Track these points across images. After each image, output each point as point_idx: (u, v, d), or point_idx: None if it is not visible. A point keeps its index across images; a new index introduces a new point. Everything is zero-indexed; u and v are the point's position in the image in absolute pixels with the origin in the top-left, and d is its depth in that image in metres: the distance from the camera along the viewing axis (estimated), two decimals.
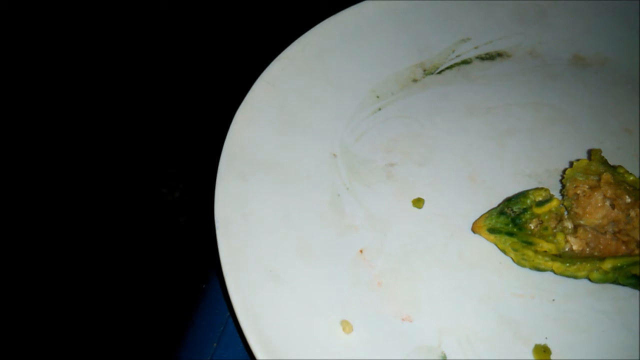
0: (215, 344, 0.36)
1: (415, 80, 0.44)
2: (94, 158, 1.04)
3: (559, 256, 0.32)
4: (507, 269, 0.33)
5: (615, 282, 0.31)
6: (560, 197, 0.35)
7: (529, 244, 0.32)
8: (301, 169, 0.38)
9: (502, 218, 0.34)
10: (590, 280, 0.31)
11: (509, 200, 0.35)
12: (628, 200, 0.32)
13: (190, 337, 0.37)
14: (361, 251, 0.34)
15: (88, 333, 0.85)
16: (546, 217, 0.33)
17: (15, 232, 0.95)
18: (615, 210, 0.32)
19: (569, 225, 0.33)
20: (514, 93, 0.43)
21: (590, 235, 0.32)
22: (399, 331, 0.31)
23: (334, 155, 0.39)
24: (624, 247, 0.31)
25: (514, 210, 0.34)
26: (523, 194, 0.34)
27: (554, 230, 0.33)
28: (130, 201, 1.00)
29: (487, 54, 0.46)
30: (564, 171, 0.35)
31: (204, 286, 0.40)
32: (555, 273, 0.32)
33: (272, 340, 0.29)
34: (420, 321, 0.31)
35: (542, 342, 0.30)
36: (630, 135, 0.40)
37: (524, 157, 0.39)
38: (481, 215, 0.35)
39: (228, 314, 0.37)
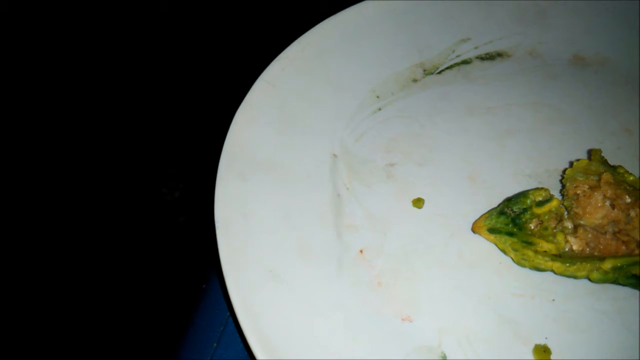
0: (215, 344, 0.36)
1: (415, 80, 0.44)
2: (94, 158, 1.04)
3: (559, 256, 0.32)
4: (507, 269, 0.33)
5: (615, 282, 0.31)
6: (560, 197, 0.35)
7: (529, 244, 0.32)
8: (301, 169, 0.38)
9: (502, 218, 0.34)
10: (590, 280, 0.31)
11: (509, 200, 0.35)
12: (628, 200, 0.32)
13: (190, 337, 0.37)
14: (361, 251, 0.34)
15: (88, 333, 0.85)
16: (546, 217, 0.33)
17: (16, 232, 0.95)
18: (615, 210, 0.32)
19: (569, 225, 0.33)
20: (514, 93, 0.43)
21: (590, 235, 0.32)
22: (399, 331, 0.31)
23: (334, 155, 0.39)
24: (624, 247, 0.31)
25: (514, 210, 0.34)
26: (523, 194, 0.34)
27: (554, 230, 0.33)
28: (130, 201, 1.00)
29: (487, 54, 0.46)
30: (564, 171, 0.35)
31: (204, 286, 0.40)
32: (555, 273, 0.32)
33: (272, 340, 0.29)
34: (420, 321, 0.31)
35: (542, 342, 0.30)
36: (630, 135, 0.40)
37: (524, 157, 0.39)
38: (481, 215, 0.35)
39: (228, 314, 0.37)
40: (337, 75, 0.43)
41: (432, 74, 0.45)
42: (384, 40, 0.46)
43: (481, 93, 0.43)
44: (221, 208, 0.34)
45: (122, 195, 1.01)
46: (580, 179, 0.33)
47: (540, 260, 0.32)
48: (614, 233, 0.32)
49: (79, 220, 0.97)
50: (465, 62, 0.45)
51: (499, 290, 0.32)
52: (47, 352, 0.84)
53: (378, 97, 0.43)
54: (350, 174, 0.38)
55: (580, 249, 0.32)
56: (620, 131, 0.40)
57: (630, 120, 0.41)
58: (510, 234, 0.33)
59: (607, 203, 0.32)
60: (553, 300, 0.32)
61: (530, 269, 0.33)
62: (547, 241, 0.32)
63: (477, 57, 0.45)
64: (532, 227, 0.33)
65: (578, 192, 0.33)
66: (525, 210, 0.33)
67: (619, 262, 0.30)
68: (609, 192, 0.32)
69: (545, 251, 0.32)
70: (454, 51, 0.46)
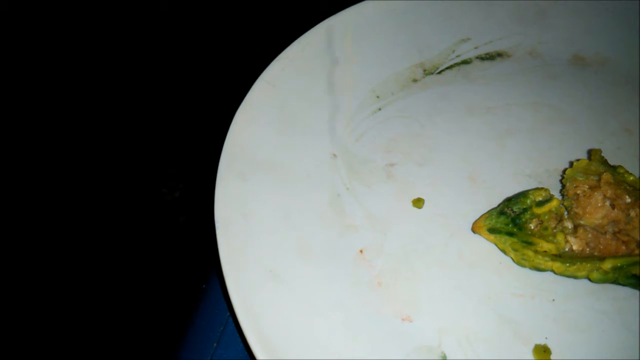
0: (215, 344, 0.36)
1: (415, 80, 0.44)
2: (94, 158, 1.04)
3: (559, 256, 0.32)
4: (507, 269, 0.33)
5: (615, 282, 0.31)
6: (560, 197, 0.35)
7: (529, 244, 0.32)
8: (301, 169, 0.38)
9: (502, 218, 0.34)
10: (590, 280, 0.31)
11: (509, 200, 0.35)
12: (628, 200, 0.32)
13: (190, 337, 0.37)
14: (361, 251, 0.34)
15: (88, 333, 0.85)
16: (546, 217, 0.33)
17: (16, 233, 0.95)
18: (615, 210, 0.32)
19: (569, 225, 0.33)
20: (514, 93, 0.43)
21: (590, 235, 0.32)
22: (399, 331, 0.31)
23: (334, 155, 0.39)
24: (624, 247, 0.31)
25: (514, 210, 0.34)
26: (523, 194, 0.34)
27: (554, 230, 0.33)
28: (130, 201, 1.00)
29: (487, 54, 0.46)
30: (564, 171, 0.35)
31: (204, 286, 0.40)
32: (555, 273, 0.32)
33: (272, 340, 0.29)
34: (420, 321, 0.31)
35: (542, 342, 0.30)
36: (630, 135, 0.40)
37: (524, 157, 0.39)
38: (481, 215, 0.35)
39: (228, 314, 0.37)
40: (337, 75, 0.43)
41: (432, 74, 0.45)
42: (384, 40, 0.46)
43: (481, 93, 0.43)
44: (221, 208, 0.34)
45: (122, 195, 1.01)
46: (580, 179, 0.33)
47: (540, 260, 0.32)
48: (614, 233, 0.32)
49: (79, 220, 0.97)
50: (465, 62, 0.45)
51: (499, 290, 0.32)
52: (47, 352, 0.84)
53: (378, 97, 0.43)
54: (350, 174, 0.38)
55: (580, 249, 0.32)
56: (620, 131, 0.40)
57: (630, 120, 0.41)
58: (510, 234, 0.33)
59: (607, 203, 0.32)
60: (553, 300, 0.32)
61: (530, 269, 0.33)
62: (547, 241, 0.32)
63: (477, 57, 0.45)
64: (532, 227, 0.33)
65: (578, 192, 0.33)
66: (525, 210, 0.33)
67: (619, 262, 0.30)
68: (609, 192, 0.32)
69: (545, 251, 0.32)
70: (454, 51, 0.46)
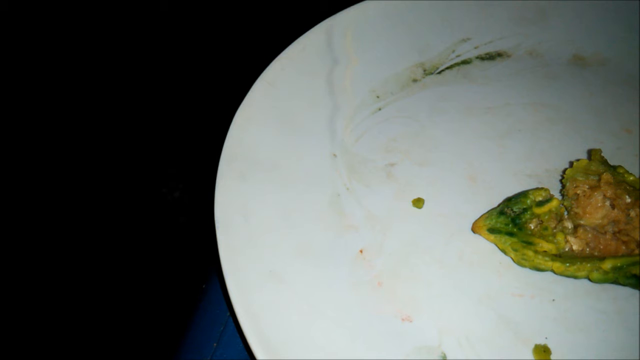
0: (215, 344, 0.36)
1: (415, 80, 0.44)
2: (94, 158, 1.04)
3: (559, 256, 0.32)
4: (507, 269, 0.33)
5: (615, 282, 0.31)
6: (560, 197, 0.35)
7: (529, 244, 0.32)
8: (301, 169, 0.38)
9: (502, 218, 0.34)
10: (590, 280, 0.31)
11: (509, 200, 0.35)
12: (628, 200, 0.32)
13: (190, 337, 0.37)
14: (361, 251, 0.34)
15: (88, 333, 0.85)
16: (546, 217, 0.33)
17: (16, 232, 0.95)
18: (615, 210, 0.32)
19: (569, 225, 0.33)
20: (513, 93, 0.43)
21: (590, 235, 0.32)
22: (399, 331, 0.31)
23: (334, 155, 0.39)
24: (624, 247, 0.31)
25: (514, 210, 0.34)
26: (523, 194, 0.34)
27: (554, 230, 0.33)
28: (130, 201, 1.00)
29: (487, 54, 0.46)
30: (564, 171, 0.35)
31: (204, 286, 0.40)
32: (555, 273, 0.32)
33: (272, 340, 0.29)
34: (420, 321, 0.31)
35: (542, 342, 0.30)
36: (630, 135, 0.40)
37: (524, 157, 0.39)
38: (481, 215, 0.35)
39: (228, 314, 0.37)
40: (337, 75, 0.43)
41: (432, 74, 0.45)
42: (384, 40, 0.46)
43: (481, 93, 0.43)
44: (221, 208, 0.34)
45: (122, 195, 1.01)
46: (580, 179, 0.33)
47: (540, 260, 0.32)
48: (614, 233, 0.32)
49: (79, 220, 0.97)
50: (465, 62, 0.45)
51: (499, 290, 0.32)
52: (47, 352, 0.84)
53: (378, 97, 0.43)
54: (350, 174, 0.38)
55: (580, 249, 0.32)
56: (620, 131, 0.40)
57: (630, 120, 0.41)
58: (510, 234, 0.33)
59: (607, 203, 0.32)
60: (553, 300, 0.32)
61: (530, 269, 0.33)
62: (547, 241, 0.32)
63: (477, 57, 0.45)
64: (532, 227, 0.33)
65: (578, 192, 0.33)
66: (525, 210, 0.33)
67: (619, 262, 0.30)
68: (609, 192, 0.32)
69: (545, 251, 0.32)
70: (454, 51, 0.46)
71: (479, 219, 0.35)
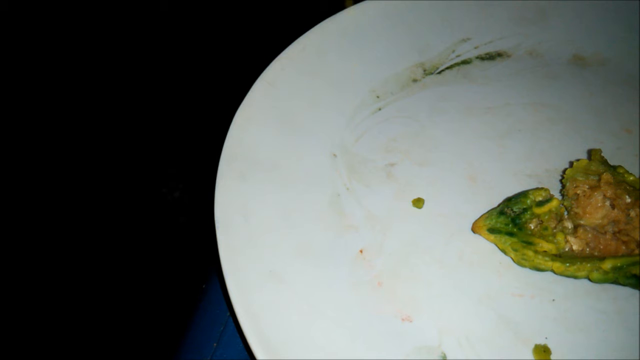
0: (215, 344, 0.36)
1: (415, 80, 0.44)
2: (94, 158, 1.04)
3: (559, 256, 0.32)
4: (507, 269, 0.33)
5: (615, 282, 0.31)
6: (560, 197, 0.35)
7: (529, 244, 0.32)
8: (301, 169, 0.38)
9: (502, 218, 0.34)
10: (590, 280, 0.31)
11: (509, 200, 0.35)
12: (628, 200, 0.32)
13: (190, 337, 0.37)
14: (361, 251, 0.34)
15: (88, 333, 0.85)
16: (546, 217, 0.33)
17: (16, 232, 0.95)
18: (615, 210, 0.32)
19: (569, 225, 0.33)
20: (513, 93, 0.43)
21: (590, 235, 0.32)
22: (399, 331, 0.31)
23: (334, 155, 0.39)
24: (624, 247, 0.31)
25: (514, 210, 0.34)
26: (523, 194, 0.34)
27: (554, 230, 0.33)
28: (130, 201, 1.00)
29: (487, 54, 0.46)
30: (564, 171, 0.35)
31: (204, 286, 0.40)
32: (555, 273, 0.32)
33: (272, 340, 0.29)
34: (420, 321, 0.31)
35: (542, 342, 0.30)
36: (630, 135, 0.40)
37: (524, 157, 0.39)
38: (481, 215, 0.35)
39: (228, 314, 0.37)
40: (337, 75, 0.43)
41: (432, 74, 0.45)
42: (384, 40, 0.46)
43: (481, 93, 0.43)
44: (221, 208, 0.34)
45: (122, 195, 1.01)
46: (580, 179, 0.33)
47: (540, 260, 0.32)
48: (614, 233, 0.32)
49: (79, 221, 0.97)
50: (465, 62, 0.45)
51: (499, 290, 0.32)
52: (47, 352, 0.84)
53: (378, 97, 0.43)
54: (350, 174, 0.38)
55: (580, 249, 0.32)
56: (620, 131, 0.40)
57: (630, 120, 0.41)
58: (510, 234, 0.33)
59: (607, 203, 0.32)
60: (553, 300, 0.32)
61: (530, 269, 0.33)
62: (547, 241, 0.32)
63: (477, 57, 0.45)
64: (532, 227, 0.33)
65: (578, 192, 0.33)
66: (525, 210, 0.33)
67: (619, 262, 0.30)
68: (609, 192, 0.32)
69: (545, 251, 0.32)
70: (454, 51, 0.46)
71: (479, 219, 0.35)
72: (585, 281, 0.32)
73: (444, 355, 0.30)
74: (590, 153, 0.35)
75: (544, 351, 0.30)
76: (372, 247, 0.34)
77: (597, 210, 0.32)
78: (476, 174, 0.38)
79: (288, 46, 0.43)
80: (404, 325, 0.31)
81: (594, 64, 0.45)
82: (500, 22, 0.47)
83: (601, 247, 0.31)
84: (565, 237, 0.32)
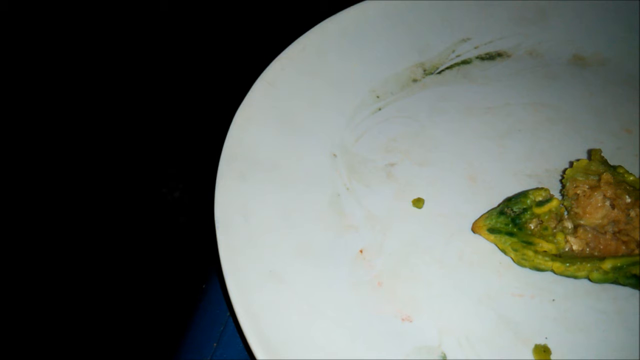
0: (215, 344, 0.36)
1: (415, 80, 0.44)
2: (94, 158, 1.04)
3: (559, 256, 0.32)
4: (507, 269, 0.33)
5: (615, 282, 0.31)
6: (560, 197, 0.35)
7: (529, 244, 0.32)
8: (301, 169, 0.38)
9: (502, 218, 0.34)
10: (590, 280, 0.31)
11: (509, 200, 0.35)
12: (628, 200, 0.32)
13: (190, 337, 0.37)
14: (361, 251, 0.34)
15: (88, 333, 0.85)
16: (546, 217, 0.33)
17: (16, 232, 0.95)
18: (615, 210, 0.32)
19: (569, 225, 0.33)
20: (513, 93, 0.43)
21: (590, 235, 0.32)
22: (399, 331, 0.31)
23: (334, 155, 0.39)
24: (624, 247, 0.31)
25: (514, 210, 0.34)
26: (523, 194, 0.34)
27: (554, 230, 0.33)
28: (130, 201, 1.00)
29: (487, 54, 0.46)
30: (564, 171, 0.35)
31: (204, 286, 0.40)
32: (555, 273, 0.32)
33: (272, 340, 0.29)
34: (420, 321, 0.31)
35: (542, 342, 0.30)
36: (630, 135, 0.40)
37: (524, 157, 0.39)
38: (481, 215, 0.35)
39: (228, 314, 0.37)
40: (337, 75, 0.43)
41: (432, 74, 0.45)
42: (384, 40, 0.46)
43: (481, 93, 0.43)
44: (221, 208, 0.34)
45: (122, 195, 1.01)
46: (580, 179, 0.33)
47: (540, 260, 0.32)
48: (614, 233, 0.32)
49: (79, 221, 0.97)
50: (465, 62, 0.45)
51: (499, 290, 0.32)
52: (47, 352, 0.84)
53: (378, 97, 0.43)
54: (350, 174, 0.38)
55: (580, 249, 0.32)
56: (620, 131, 0.40)
57: (630, 120, 0.41)
58: (510, 234, 0.33)
59: (607, 203, 0.32)
60: (553, 300, 0.32)
61: (530, 269, 0.33)
62: (547, 241, 0.32)
63: (477, 57, 0.45)
64: (532, 227, 0.33)
65: (578, 192, 0.33)
66: (525, 210, 0.33)
67: (619, 262, 0.30)
68: (609, 192, 0.32)
69: (545, 251, 0.32)
70: (454, 51, 0.46)
71: (479, 219, 0.35)
72: (585, 281, 0.32)
73: (444, 355, 0.30)
74: (590, 153, 0.35)
75: (544, 351, 0.30)
76: (372, 247, 0.34)
77: (597, 210, 0.32)
78: (476, 174, 0.38)
79: (288, 46, 0.43)
80: (404, 325, 0.31)
81: (594, 64, 0.45)
82: (500, 22, 0.47)
83: (601, 247, 0.31)
84: (565, 237, 0.32)
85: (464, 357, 0.30)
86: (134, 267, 0.92)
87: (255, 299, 0.30)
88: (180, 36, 1.16)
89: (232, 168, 0.36)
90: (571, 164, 0.35)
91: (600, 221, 0.32)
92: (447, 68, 0.45)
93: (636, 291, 0.32)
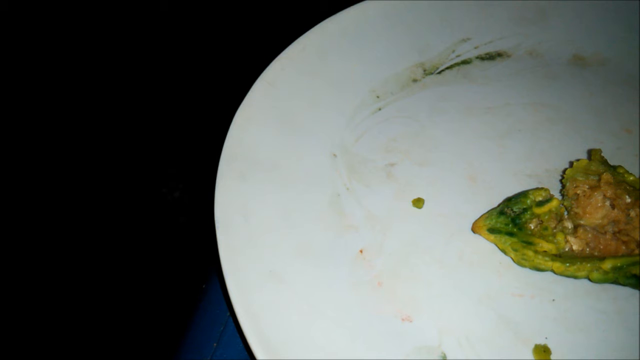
0: (215, 344, 0.36)
1: (415, 80, 0.44)
2: (94, 158, 1.04)
3: (559, 256, 0.32)
4: (507, 269, 0.33)
5: (615, 282, 0.31)
6: (560, 197, 0.35)
7: (529, 244, 0.32)
8: (301, 169, 0.38)
9: (502, 218, 0.34)
10: (590, 280, 0.31)
11: (509, 200, 0.35)
12: (628, 200, 0.32)
13: (190, 337, 0.37)
14: (361, 251, 0.34)
15: (88, 333, 0.85)
16: (546, 217, 0.33)
17: (16, 232, 0.95)
18: (615, 210, 0.32)
19: (569, 225, 0.33)
20: (513, 93, 0.43)
21: (590, 235, 0.32)
22: (399, 331, 0.31)
23: (334, 155, 0.39)
24: (624, 247, 0.31)
25: (514, 210, 0.34)
26: (523, 194, 0.34)
27: (554, 230, 0.33)
28: (130, 201, 1.00)
29: (487, 54, 0.46)
30: (564, 171, 0.35)
31: (204, 286, 0.40)
32: (555, 273, 0.32)
33: (272, 340, 0.29)
34: (420, 321, 0.31)
35: (542, 342, 0.30)
36: (630, 135, 0.40)
37: (524, 157, 0.39)
38: (481, 215, 0.35)
39: (228, 314, 0.37)
40: (337, 75, 0.43)
41: (432, 74, 0.45)
42: (384, 40, 0.46)
43: (481, 93, 0.43)
44: (221, 208, 0.34)
45: (122, 195, 1.01)
46: (580, 179, 0.33)
47: (540, 260, 0.32)
48: (614, 233, 0.32)
49: (79, 221, 0.97)
50: (465, 62, 0.45)
51: (498, 290, 0.32)
52: (47, 352, 0.84)
53: (378, 97, 0.43)
54: (350, 174, 0.38)
55: (580, 249, 0.32)
56: (620, 131, 0.40)
57: (630, 120, 0.41)
58: (510, 234, 0.33)
59: (607, 203, 0.32)
60: (553, 300, 0.32)
61: (530, 269, 0.33)
62: (547, 241, 0.32)
63: (477, 57, 0.45)
64: (532, 227, 0.33)
65: (578, 192, 0.33)
66: (525, 210, 0.33)
67: (619, 262, 0.30)
68: (609, 192, 0.32)
69: (545, 251, 0.32)
70: (454, 51, 0.46)
71: (479, 219, 0.35)
72: (585, 281, 0.32)
73: (444, 355, 0.30)
74: (590, 153, 0.35)
75: (544, 351, 0.30)
76: (372, 247, 0.34)
77: (597, 210, 0.32)
78: (476, 174, 0.38)
79: (288, 46, 0.43)
80: (404, 325, 0.31)
81: (594, 64, 0.45)
82: (500, 22, 0.47)
83: (601, 247, 0.31)
84: (565, 237, 0.32)
85: (464, 357, 0.30)
86: (134, 267, 0.92)
87: (255, 299, 0.30)
88: (180, 36, 1.16)
89: (232, 168, 0.36)
90: (571, 164, 0.35)
91: (600, 221, 0.32)
92: (447, 68, 0.45)
93: (636, 291, 0.32)
